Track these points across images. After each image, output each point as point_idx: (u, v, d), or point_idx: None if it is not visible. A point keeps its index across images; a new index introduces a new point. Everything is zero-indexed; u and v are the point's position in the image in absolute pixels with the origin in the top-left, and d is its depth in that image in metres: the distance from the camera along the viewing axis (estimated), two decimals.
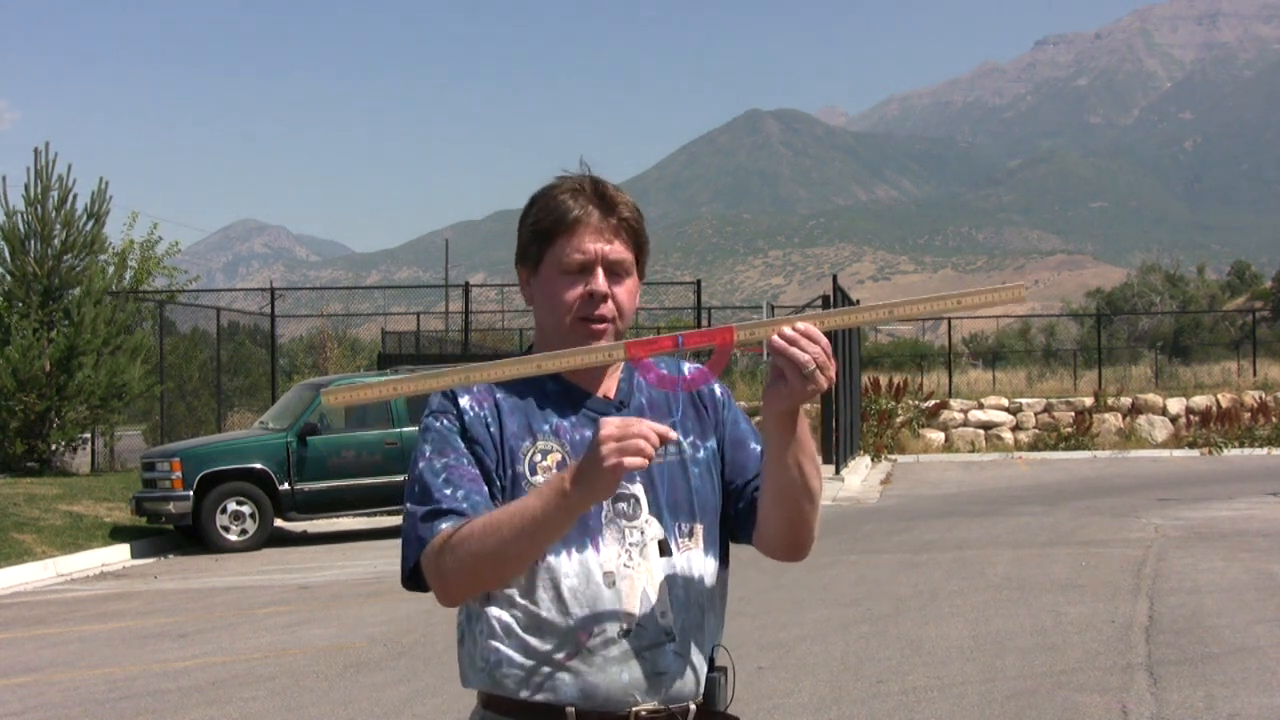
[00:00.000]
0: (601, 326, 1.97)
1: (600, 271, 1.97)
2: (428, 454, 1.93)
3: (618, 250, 1.98)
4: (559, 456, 1.94)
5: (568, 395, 1.99)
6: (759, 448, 2.07)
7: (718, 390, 2.10)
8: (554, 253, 1.98)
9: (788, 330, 1.79)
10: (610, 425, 1.72)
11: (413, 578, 1.91)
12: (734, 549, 2.10)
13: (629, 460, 1.70)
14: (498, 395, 1.98)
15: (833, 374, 1.80)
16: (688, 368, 2.04)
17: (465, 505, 1.87)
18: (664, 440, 1.74)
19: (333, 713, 6.01)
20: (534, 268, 2.02)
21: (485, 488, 1.91)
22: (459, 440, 1.93)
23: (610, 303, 1.97)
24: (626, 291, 2.00)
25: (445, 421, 1.95)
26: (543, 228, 1.99)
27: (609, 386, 2.02)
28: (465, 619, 1.98)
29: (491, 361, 1.85)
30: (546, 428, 1.96)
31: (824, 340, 1.79)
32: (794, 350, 1.78)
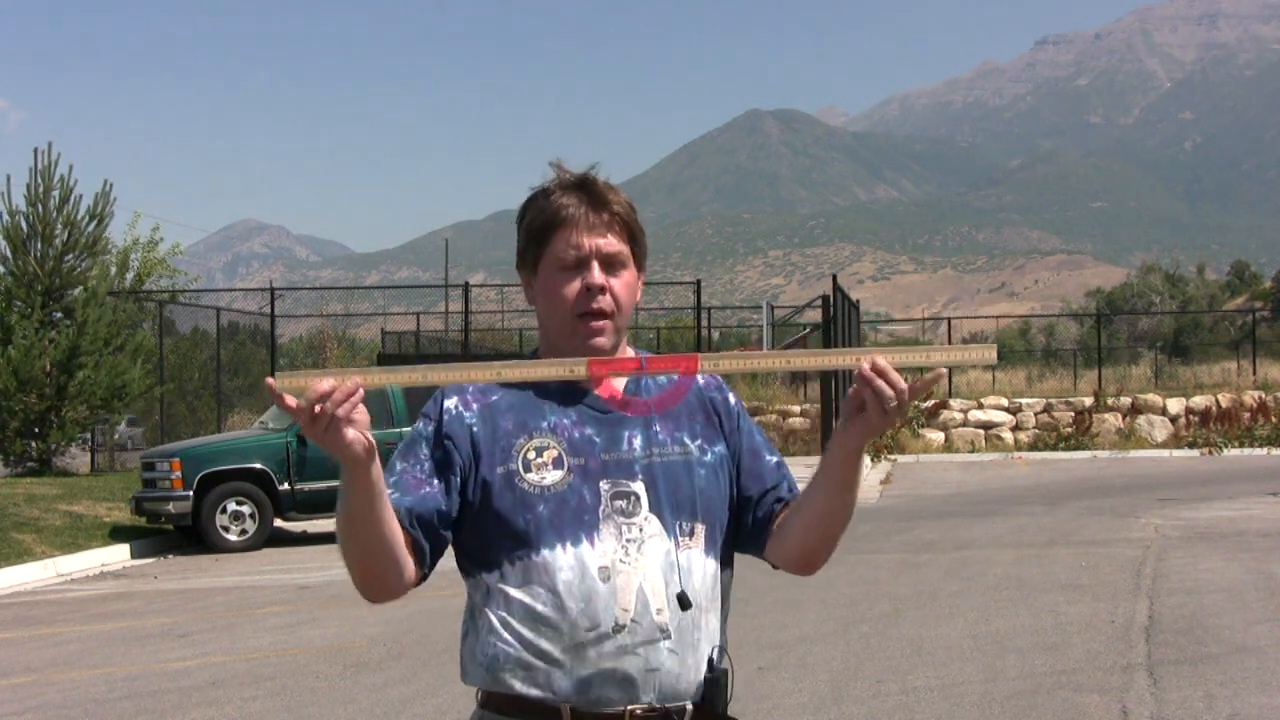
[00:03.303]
0: (600, 323, 1.98)
1: (595, 265, 1.98)
2: (397, 453, 2.00)
3: (612, 244, 2.00)
4: (555, 453, 1.94)
5: (569, 394, 2.00)
6: (773, 459, 2.09)
7: (731, 399, 2.11)
8: (550, 252, 2.00)
9: (880, 361, 1.79)
10: (302, 400, 1.71)
11: None
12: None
13: (328, 412, 1.69)
14: (494, 397, 2.00)
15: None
16: (700, 375, 2.08)
17: None
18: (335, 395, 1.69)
19: (333, 713, 6.01)
20: (533, 269, 2.05)
21: (429, 490, 1.93)
22: (424, 447, 1.97)
23: (608, 296, 1.98)
24: (624, 285, 2.01)
25: (421, 425, 2.00)
26: (536, 228, 2.02)
27: (614, 387, 2.02)
28: (470, 615, 1.99)
29: (454, 364, 1.85)
30: (544, 425, 1.97)
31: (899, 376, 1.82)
32: (880, 383, 1.79)
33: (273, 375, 1.75)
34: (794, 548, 2.01)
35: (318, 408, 1.69)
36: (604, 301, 1.98)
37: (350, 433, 1.72)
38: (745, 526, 2.05)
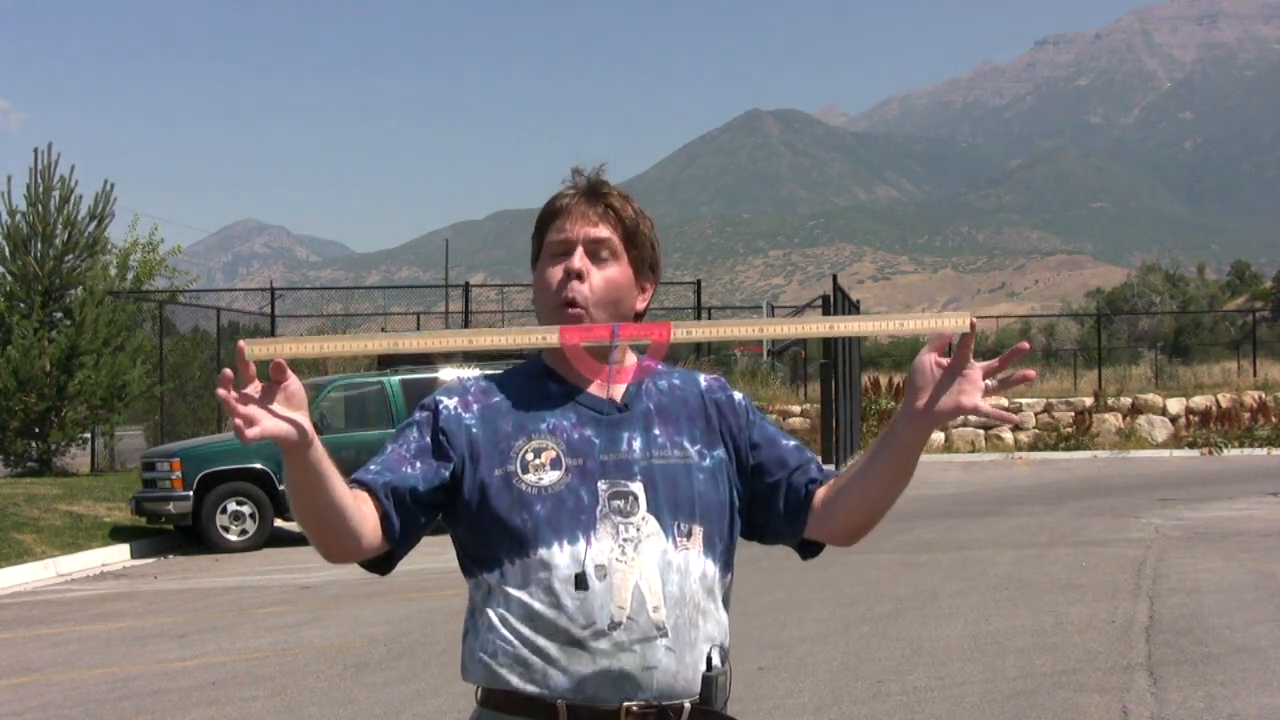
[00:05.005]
0: (574, 310, 1.99)
1: (579, 250, 2.01)
2: (389, 438, 2.04)
3: (600, 230, 2.02)
4: (554, 454, 1.95)
5: (570, 397, 2.02)
6: (791, 442, 2.11)
7: (737, 396, 2.13)
8: (545, 242, 2.06)
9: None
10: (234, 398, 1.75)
11: None
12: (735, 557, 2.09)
13: (242, 427, 1.73)
14: (495, 398, 2.02)
15: None
16: (703, 379, 2.13)
17: (366, 477, 1.95)
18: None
19: (333, 713, 6.01)
20: (534, 264, 2.10)
21: (409, 470, 1.95)
22: (414, 431, 2.00)
23: (585, 283, 2.00)
24: (606, 276, 2.02)
25: (417, 414, 2.04)
26: (539, 223, 2.09)
27: (615, 391, 2.03)
28: (471, 615, 2.00)
29: (427, 332, 1.92)
30: (544, 426, 1.98)
31: None
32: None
33: (264, 370, 1.77)
34: (846, 524, 2.04)
35: (241, 410, 1.72)
36: (579, 290, 1.99)
37: (280, 426, 1.74)
38: (778, 512, 2.06)
